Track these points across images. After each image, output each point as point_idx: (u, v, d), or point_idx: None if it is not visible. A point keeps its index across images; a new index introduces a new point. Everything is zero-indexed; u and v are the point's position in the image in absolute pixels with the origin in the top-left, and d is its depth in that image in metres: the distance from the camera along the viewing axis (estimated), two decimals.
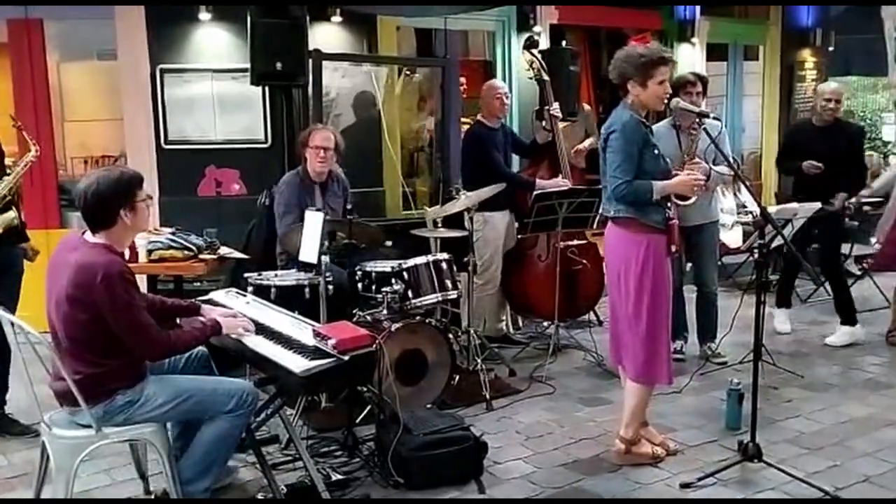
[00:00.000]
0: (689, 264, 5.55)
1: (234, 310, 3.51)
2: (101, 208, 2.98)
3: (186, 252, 4.75)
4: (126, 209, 3.00)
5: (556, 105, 5.71)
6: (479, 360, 4.85)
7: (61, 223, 6.20)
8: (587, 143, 6.43)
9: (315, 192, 4.84)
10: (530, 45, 5.92)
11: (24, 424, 4.19)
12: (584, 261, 5.58)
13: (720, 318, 5.40)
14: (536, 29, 7.19)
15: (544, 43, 7.18)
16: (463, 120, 7.75)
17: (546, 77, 5.76)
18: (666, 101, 3.71)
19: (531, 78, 5.86)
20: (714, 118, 4.04)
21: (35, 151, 4.31)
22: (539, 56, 5.85)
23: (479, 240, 5.39)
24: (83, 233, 3.08)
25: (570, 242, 5.44)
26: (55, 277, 2.98)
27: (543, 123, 5.78)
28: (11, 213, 4.23)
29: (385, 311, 4.34)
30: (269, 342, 3.23)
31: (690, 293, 5.40)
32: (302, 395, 3.98)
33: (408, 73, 7.45)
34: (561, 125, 5.86)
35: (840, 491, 3.54)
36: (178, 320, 3.45)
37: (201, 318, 3.33)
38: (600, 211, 4.01)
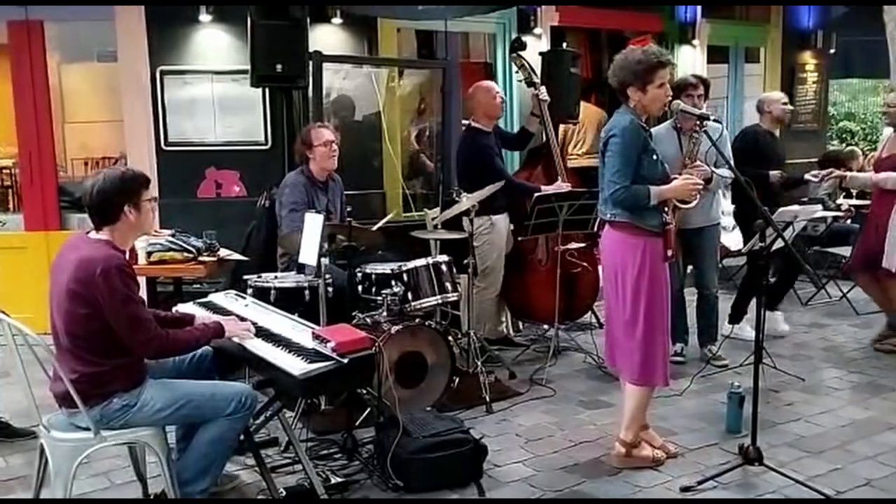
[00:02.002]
0: (690, 267, 5.53)
1: (233, 316, 3.50)
2: (105, 203, 3.01)
3: (186, 254, 4.74)
4: (130, 206, 3.02)
5: (543, 88, 5.64)
6: (478, 363, 4.84)
7: (61, 225, 6.20)
8: None
9: (318, 192, 4.84)
10: (518, 47, 5.87)
11: (20, 427, 4.18)
12: (584, 263, 5.57)
13: (720, 321, 5.39)
14: (537, 31, 7.19)
15: (545, 45, 7.18)
16: (463, 122, 7.74)
17: (536, 79, 5.72)
18: (667, 103, 3.70)
19: (521, 80, 5.81)
20: (715, 120, 4.03)
21: None
22: (527, 58, 5.82)
23: (486, 244, 5.37)
24: (87, 233, 3.10)
25: (569, 246, 5.42)
26: (57, 277, 2.99)
27: (532, 110, 5.72)
28: None
29: (385, 314, 4.34)
30: (268, 344, 3.22)
31: (691, 296, 5.39)
32: (301, 397, 3.97)
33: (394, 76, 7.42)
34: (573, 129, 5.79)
35: (841, 494, 3.52)
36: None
37: (204, 321, 3.33)
38: (599, 216, 4.00)
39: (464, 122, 7.44)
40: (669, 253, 3.66)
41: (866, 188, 6.11)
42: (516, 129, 6.83)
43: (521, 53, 5.78)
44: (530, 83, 5.69)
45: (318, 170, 4.82)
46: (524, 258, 5.62)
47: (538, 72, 6.18)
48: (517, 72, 5.80)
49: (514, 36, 7.18)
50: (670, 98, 3.69)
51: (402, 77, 7.24)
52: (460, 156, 5.62)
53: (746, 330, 5.80)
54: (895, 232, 5.34)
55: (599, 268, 5.76)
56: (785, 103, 5.87)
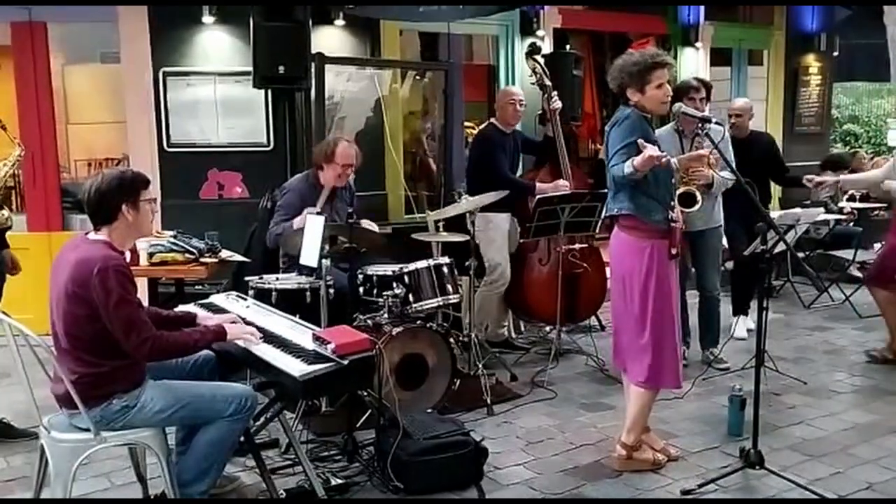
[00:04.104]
0: (693, 269, 5.52)
1: (234, 314, 3.50)
2: (103, 203, 3.01)
3: (188, 255, 4.73)
4: (128, 205, 3.02)
5: (555, 95, 5.66)
6: (480, 365, 4.84)
7: (64, 226, 6.21)
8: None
9: (320, 199, 4.82)
10: (532, 51, 5.89)
11: (21, 428, 4.19)
12: (586, 265, 5.56)
13: (722, 324, 5.38)
14: (539, 33, 7.18)
15: (547, 47, 7.17)
16: (466, 124, 7.76)
17: (548, 82, 5.73)
18: (668, 104, 3.69)
19: (533, 84, 5.84)
20: (716, 123, 4.02)
21: (20, 151, 4.32)
22: (542, 62, 5.82)
23: (484, 241, 5.38)
24: (86, 234, 3.10)
25: (572, 246, 5.41)
26: (57, 277, 2.99)
27: (545, 115, 5.75)
28: (4, 213, 4.23)
29: (386, 315, 4.33)
30: (268, 346, 3.22)
31: (693, 298, 5.38)
32: (301, 399, 3.97)
33: (417, 76, 7.45)
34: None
35: (842, 498, 3.52)
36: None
37: (205, 324, 3.33)
38: (604, 213, 3.99)
39: (467, 123, 7.51)
40: (674, 251, 3.65)
41: (859, 188, 6.04)
42: (518, 127, 6.84)
43: (537, 58, 5.80)
44: (542, 86, 5.70)
45: (326, 183, 4.80)
46: (525, 256, 5.62)
47: None
48: (531, 75, 5.82)
49: (515, 39, 7.19)
50: (670, 98, 3.68)
51: (419, 78, 7.27)
52: (471, 149, 5.74)
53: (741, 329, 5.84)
54: None
55: (607, 270, 5.79)
56: (729, 115, 5.76)
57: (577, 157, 9.65)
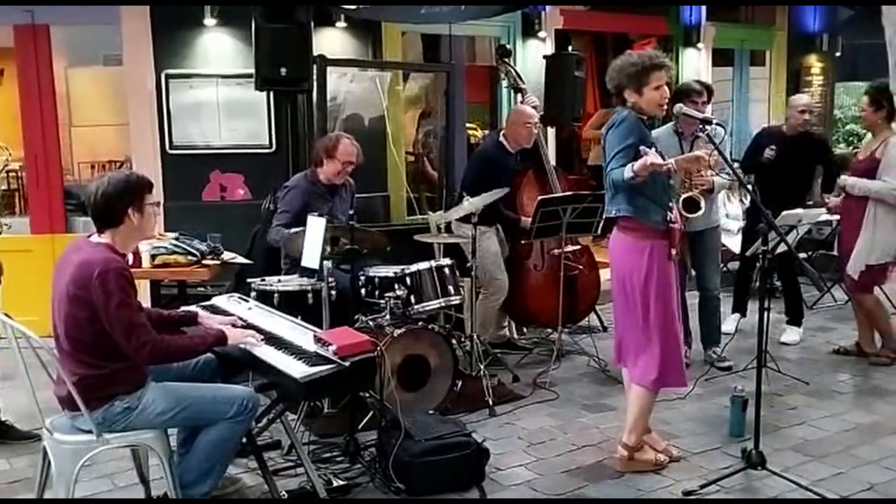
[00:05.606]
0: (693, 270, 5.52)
1: (234, 317, 3.51)
2: (109, 206, 3.02)
3: (190, 257, 4.73)
4: (133, 209, 3.03)
5: (531, 96, 5.61)
6: (482, 366, 4.84)
7: (67, 228, 6.22)
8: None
9: (321, 197, 4.83)
10: (502, 54, 5.85)
11: (24, 430, 4.20)
12: (581, 265, 5.57)
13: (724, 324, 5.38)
14: (541, 34, 7.19)
15: (549, 48, 7.18)
16: (468, 125, 7.77)
17: (523, 85, 5.69)
18: (665, 107, 3.69)
19: (507, 87, 5.82)
20: (717, 124, 4.01)
21: (6, 155, 4.33)
22: (513, 64, 5.79)
23: (480, 252, 5.36)
24: (88, 236, 3.11)
25: (566, 249, 5.39)
26: (58, 279, 3.00)
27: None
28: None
29: (388, 317, 4.34)
30: (270, 348, 3.23)
31: (693, 298, 5.38)
32: (303, 400, 3.97)
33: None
34: None
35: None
36: (183, 330, 3.44)
37: (205, 327, 3.34)
38: (604, 214, 3.99)
39: (468, 125, 7.51)
40: (674, 251, 3.65)
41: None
42: None
43: (507, 60, 5.78)
44: (517, 89, 5.68)
45: (325, 178, 4.81)
46: (520, 265, 5.60)
47: (542, 75, 6.15)
48: (503, 78, 5.78)
49: (517, 40, 7.20)
50: (667, 100, 3.68)
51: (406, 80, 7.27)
52: (474, 157, 5.66)
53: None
54: (866, 237, 5.22)
55: (600, 271, 5.79)
56: (802, 111, 5.77)
57: (579, 159, 9.72)
